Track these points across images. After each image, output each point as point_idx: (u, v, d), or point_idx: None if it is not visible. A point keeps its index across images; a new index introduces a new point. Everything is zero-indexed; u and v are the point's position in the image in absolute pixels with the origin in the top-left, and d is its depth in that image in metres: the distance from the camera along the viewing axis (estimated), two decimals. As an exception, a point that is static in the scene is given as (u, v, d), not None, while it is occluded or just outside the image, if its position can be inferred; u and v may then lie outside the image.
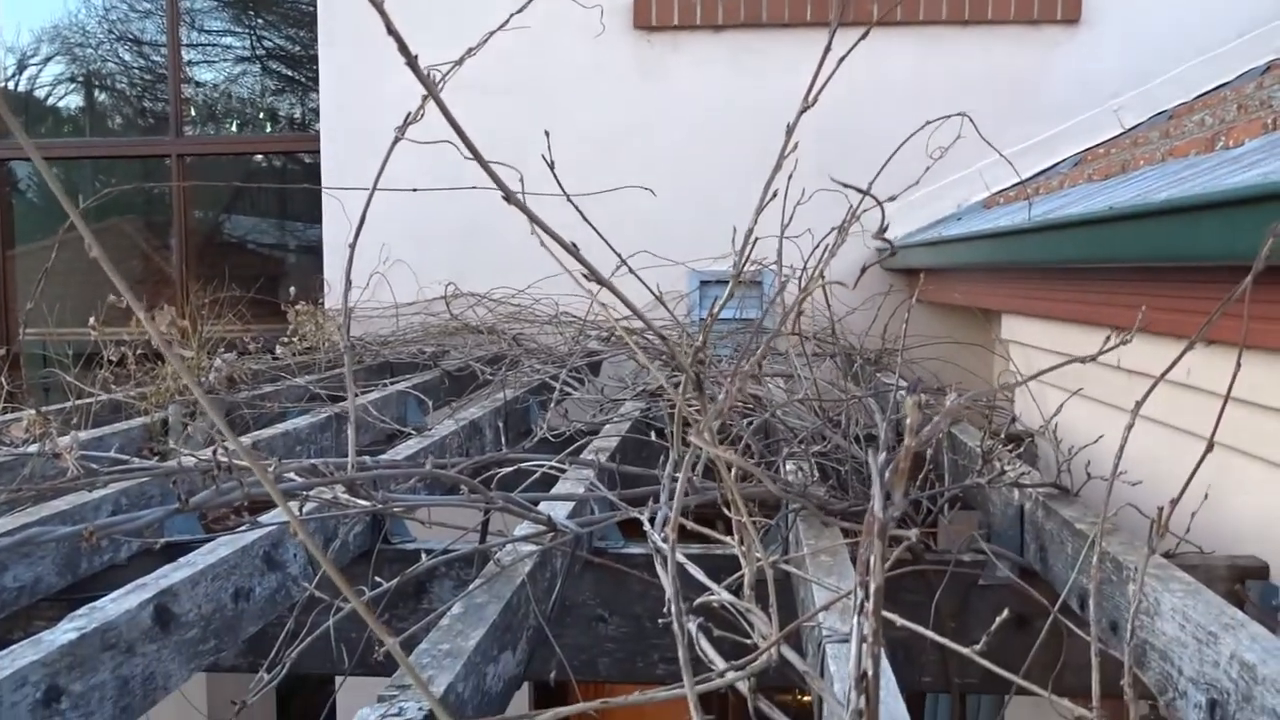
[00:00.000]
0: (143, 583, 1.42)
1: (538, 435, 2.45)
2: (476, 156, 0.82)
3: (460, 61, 1.45)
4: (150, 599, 1.37)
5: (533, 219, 0.86)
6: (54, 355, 2.96)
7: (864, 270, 1.82)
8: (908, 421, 0.56)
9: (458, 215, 4.77)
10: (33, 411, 2.05)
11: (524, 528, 1.64)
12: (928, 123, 2.01)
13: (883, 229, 1.34)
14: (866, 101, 4.55)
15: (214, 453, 1.15)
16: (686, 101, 5.03)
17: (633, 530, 2.03)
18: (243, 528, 1.49)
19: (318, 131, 5.52)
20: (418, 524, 1.98)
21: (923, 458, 2.17)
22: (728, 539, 1.23)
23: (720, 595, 1.03)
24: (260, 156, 7.22)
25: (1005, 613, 1.09)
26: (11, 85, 6.98)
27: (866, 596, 0.68)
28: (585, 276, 0.93)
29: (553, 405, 2.59)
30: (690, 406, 1.31)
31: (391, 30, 0.80)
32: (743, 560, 1.12)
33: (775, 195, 1.45)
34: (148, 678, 1.35)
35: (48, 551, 1.75)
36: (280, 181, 7.17)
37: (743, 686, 0.90)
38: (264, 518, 1.62)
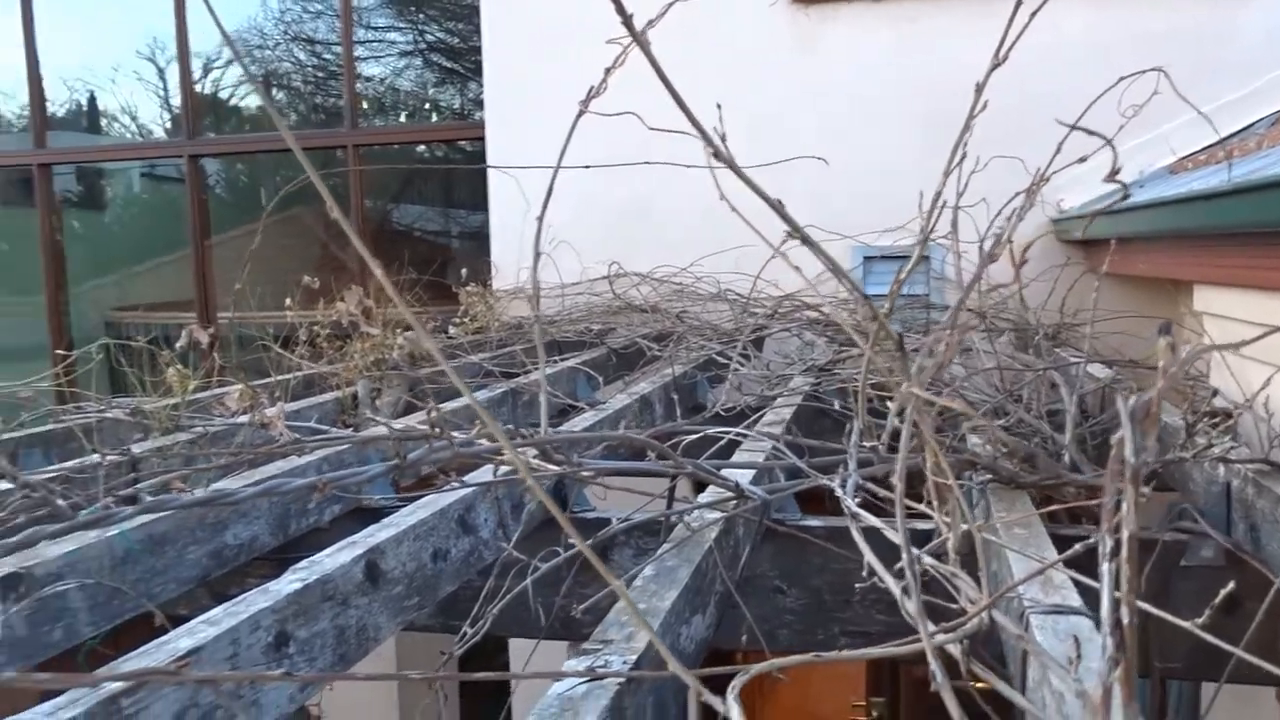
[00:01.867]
0: (353, 540, 1.51)
1: (711, 410, 2.46)
2: (685, 111, 0.83)
3: (652, 23, 1.46)
4: (361, 555, 1.45)
5: (741, 176, 0.86)
6: (251, 335, 3.16)
7: (1094, 215, 1.74)
8: (1098, 370, 0.54)
9: (620, 196, 4.83)
10: (243, 386, 2.20)
11: (706, 496, 1.65)
12: (1121, 79, 1.91)
13: (1115, 170, 1.28)
14: (1039, 65, 4.34)
15: (428, 414, 1.21)
16: (845, 75, 4.94)
17: (810, 504, 2.02)
18: (442, 490, 1.56)
19: (479, 120, 5.69)
20: (596, 496, 2.03)
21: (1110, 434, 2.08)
22: (926, 509, 1.21)
23: (924, 560, 1.02)
24: (423, 147, 7.49)
25: (1230, 585, 1.04)
26: (199, 89, 7.47)
27: (1086, 553, 0.66)
28: (788, 234, 0.93)
29: (730, 377, 2.60)
30: (883, 374, 1.30)
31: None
32: (943, 527, 1.11)
33: (964, 158, 1.41)
34: (360, 629, 1.44)
35: (262, 512, 1.88)
36: (444, 171, 7.43)
37: (954, 649, 0.88)
38: (467, 478, 1.70)
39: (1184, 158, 4.29)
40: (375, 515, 1.78)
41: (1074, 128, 1.83)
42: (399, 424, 1.79)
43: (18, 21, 6.78)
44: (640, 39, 0.89)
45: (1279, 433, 1.80)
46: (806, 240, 0.91)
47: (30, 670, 1.34)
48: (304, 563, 1.41)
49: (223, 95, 7.87)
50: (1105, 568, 0.50)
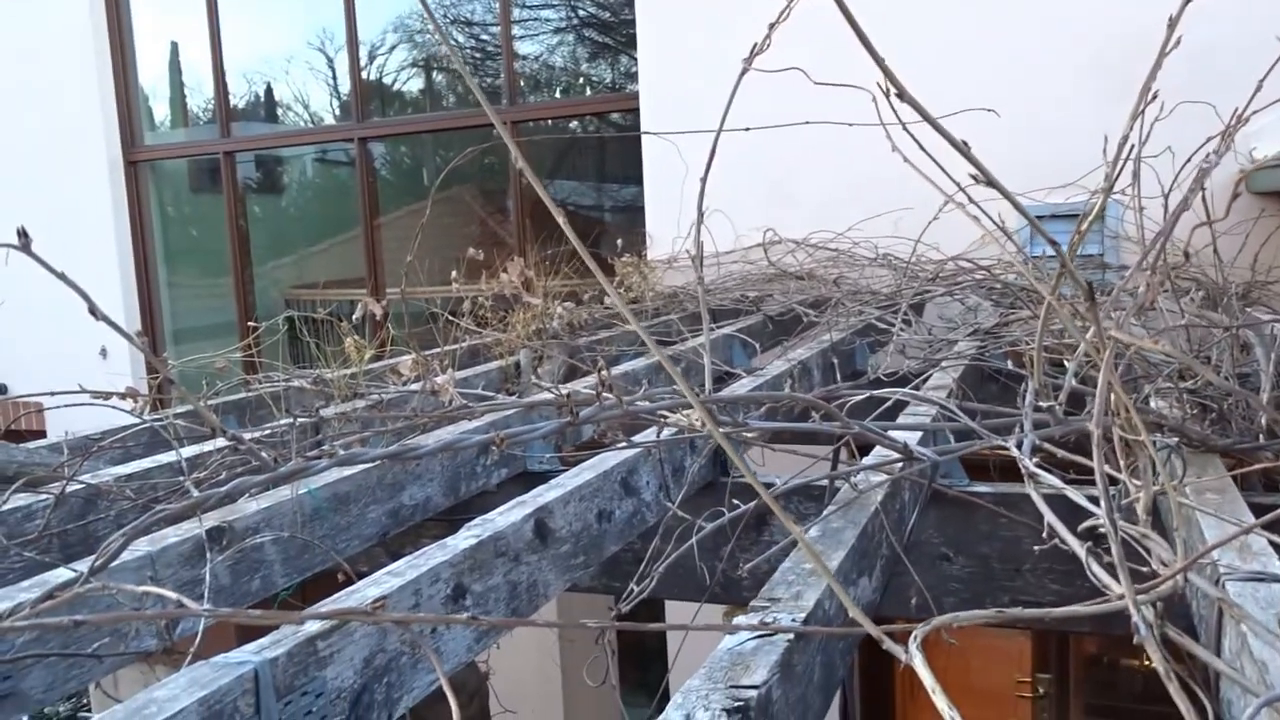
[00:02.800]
0: (522, 500, 1.57)
1: (873, 375, 2.42)
2: (866, 43, 0.80)
3: (813, -17, 1.44)
4: (530, 514, 1.50)
5: (926, 117, 0.84)
6: (421, 308, 3.29)
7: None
8: None
9: (773, 162, 4.77)
10: (414, 355, 2.30)
11: (871, 458, 1.63)
12: (1331, 8, 1.74)
13: None
14: (1228, 5, 4.03)
15: (597, 375, 1.23)
16: (1010, 21, 4.71)
17: (975, 472, 1.96)
18: (618, 447, 1.59)
19: (632, 92, 5.72)
20: (754, 462, 2.03)
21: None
22: (1107, 469, 1.15)
23: (1106, 521, 0.97)
24: (576, 123, 7.59)
25: None
26: (364, 75, 7.79)
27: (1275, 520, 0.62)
28: (974, 178, 0.90)
29: (891, 343, 2.54)
30: (1058, 334, 1.24)
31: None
32: (1131, 488, 1.05)
33: (1154, 97, 1.33)
34: (531, 585, 1.49)
35: (435, 474, 1.97)
36: (598, 144, 7.52)
37: (1148, 612, 0.84)
38: (635, 437, 1.72)
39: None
40: (540, 479, 1.83)
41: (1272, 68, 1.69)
42: (564, 389, 1.83)
43: (204, 21, 7.24)
44: None
45: None
46: (997, 186, 0.87)
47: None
48: (477, 520, 1.46)
49: (386, 80, 8.18)
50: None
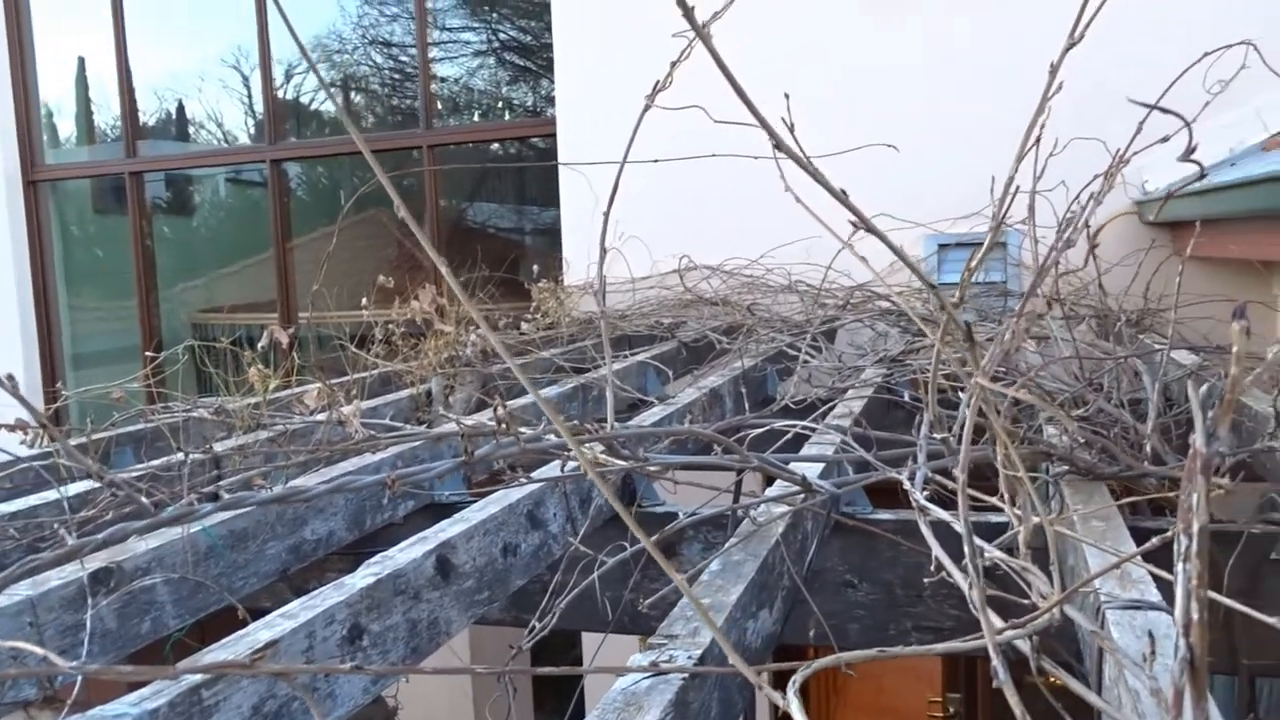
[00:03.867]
0: (424, 535, 1.54)
1: (780, 402, 2.45)
2: (746, 101, 0.82)
3: (717, 15, 1.46)
4: (432, 550, 1.48)
5: (802, 164, 0.85)
6: (329, 335, 3.24)
7: (1168, 197, 1.69)
8: (1233, 350, 0.52)
9: (689, 189, 4.82)
10: (320, 384, 2.26)
11: (774, 490, 1.64)
12: (1206, 54, 1.84)
13: (1191, 149, 1.24)
14: (1122, 41, 4.21)
15: (495, 412, 1.23)
16: (920, 56, 4.84)
17: (880, 498, 1.99)
18: (511, 485, 1.58)
19: (551, 116, 5.74)
20: (665, 490, 2.03)
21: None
22: (996, 501, 1.18)
23: (994, 554, 1.00)
24: (497, 145, 7.57)
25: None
26: (281, 94, 7.66)
27: (1163, 546, 0.64)
28: (853, 224, 0.92)
29: (798, 370, 2.58)
30: (952, 364, 1.27)
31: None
32: (1014, 521, 1.08)
33: (1037, 141, 1.38)
34: (433, 622, 1.47)
35: (338, 508, 1.93)
36: (517, 169, 7.51)
37: (1023, 645, 0.87)
38: (535, 474, 1.72)
39: (1278, 134, 4.11)
40: (448, 511, 1.81)
41: (1154, 108, 1.77)
42: (470, 420, 1.82)
43: (110, 34, 7.05)
44: (702, 33, 0.89)
45: (1378, 420, 1.72)
46: (871, 229, 0.89)
47: (119, 662, 1.40)
48: (377, 557, 1.44)
49: (304, 100, 8.06)
50: (1179, 567, 0.48)
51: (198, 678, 1.02)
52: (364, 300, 2.68)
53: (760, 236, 4.47)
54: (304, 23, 7.63)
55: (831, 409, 2.37)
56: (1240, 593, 1.71)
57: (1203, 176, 1.48)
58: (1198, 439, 0.53)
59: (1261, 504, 1.74)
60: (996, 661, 0.68)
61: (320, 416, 2.20)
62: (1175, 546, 0.53)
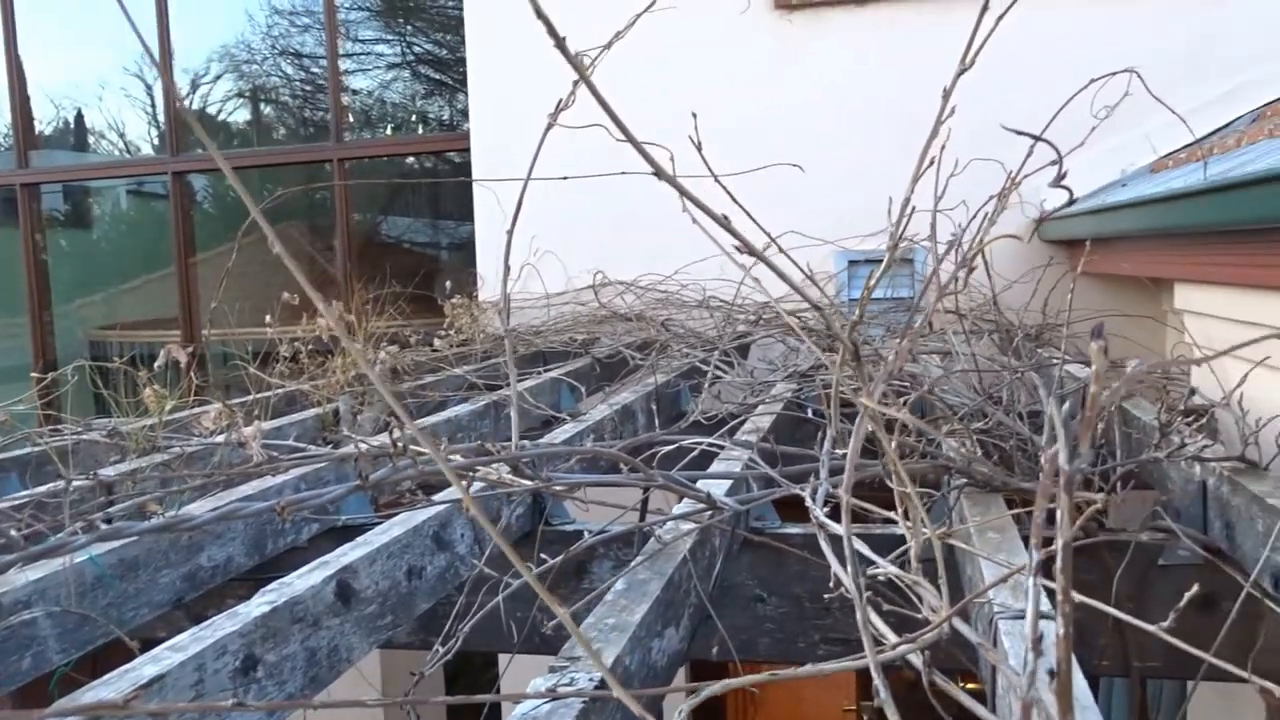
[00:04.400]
0: (325, 560, 1.51)
1: (690, 418, 2.46)
2: (626, 134, 0.82)
3: (609, 45, 1.47)
4: (332, 575, 1.44)
5: (683, 192, 0.86)
6: (234, 353, 3.15)
7: (1041, 220, 1.75)
8: (1079, 369, 0.53)
9: (605, 205, 4.83)
10: (220, 404, 2.19)
11: (682, 507, 1.65)
12: (1092, 80, 1.91)
13: (1061, 175, 1.28)
14: (1021, 67, 4.35)
15: (390, 435, 1.20)
16: (829, 80, 4.94)
17: (789, 511, 2.01)
18: (416, 507, 1.55)
19: (466, 131, 5.70)
20: (576, 507, 2.02)
21: (1094, 432, 2.07)
22: (892, 515, 1.21)
23: (887, 570, 1.02)
24: (412, 159, 7.49)
25: (1194, 589, 1.03)
26: (186, 103, 7.46)
27: (1049, 559, 0.66)
28: (738, 249, 0.93)
29: (706, 388, 2.60)
30: (849, 382, 1.29)
31: (541, 14, 0.82)
32: (908, 535, 1.10)
33: (932, 163, 1.41)
34: (332, 650, 1.43)
35: (237, 533, 1.87)
36: (432, 183, 7.43)
37: (915, 660, 0.88)
38: (438, 497, 1.69)
39: (1165, 156, 4.30)
40: (355, 533, 1.77)
41: (1037, 139, 1.83)
42: (377, 441, 1.78)
43: (0, 40, 6.78)
44: (584, 75, 0.89)
45: (1255, 430, 1.80)
46: (754, 253, 0.90)
47: (-3, 699, 1.33)
48: (273, 584, 1.40)
49: (211, 110, 7.86)
50: (1030, 582, 0.49)
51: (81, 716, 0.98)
52: (267, 317, 2.61)
53: (675, 252, 4.49)
54: (210, 32, 7.45)
55: (742, 424, 2.39)
56: (1130, 598, 1.78)
57: (1072, 203, 1.53)
58: (1060, 455, 0.54)
59: (1149, 513, 1.81)
60: (879, 681, 0.69)
61: (219, 438, 2.14)
62: (1026, 574, 0.54)
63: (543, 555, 1.68)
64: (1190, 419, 2.04)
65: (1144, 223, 2.98)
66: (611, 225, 4.94)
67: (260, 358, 3.11)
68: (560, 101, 1.47)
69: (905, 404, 1.37)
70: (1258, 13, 4.55)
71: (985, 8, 1.31)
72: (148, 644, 1.29)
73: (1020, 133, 1.39)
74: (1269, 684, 0.92)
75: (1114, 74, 2.01)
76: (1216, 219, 2.39)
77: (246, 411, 2.51)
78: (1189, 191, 2.46)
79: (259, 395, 2.67)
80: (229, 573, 1.86)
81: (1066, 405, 2.21)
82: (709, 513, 1.57)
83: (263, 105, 8.05)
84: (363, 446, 1.46)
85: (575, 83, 1.48)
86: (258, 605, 1.32)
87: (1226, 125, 4.40)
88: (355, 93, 7.46)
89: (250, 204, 0.59)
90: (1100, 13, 4.67)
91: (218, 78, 7.81)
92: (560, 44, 0.74)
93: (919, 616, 1.02)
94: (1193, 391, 2.25)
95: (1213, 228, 2.52)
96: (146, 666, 1.12)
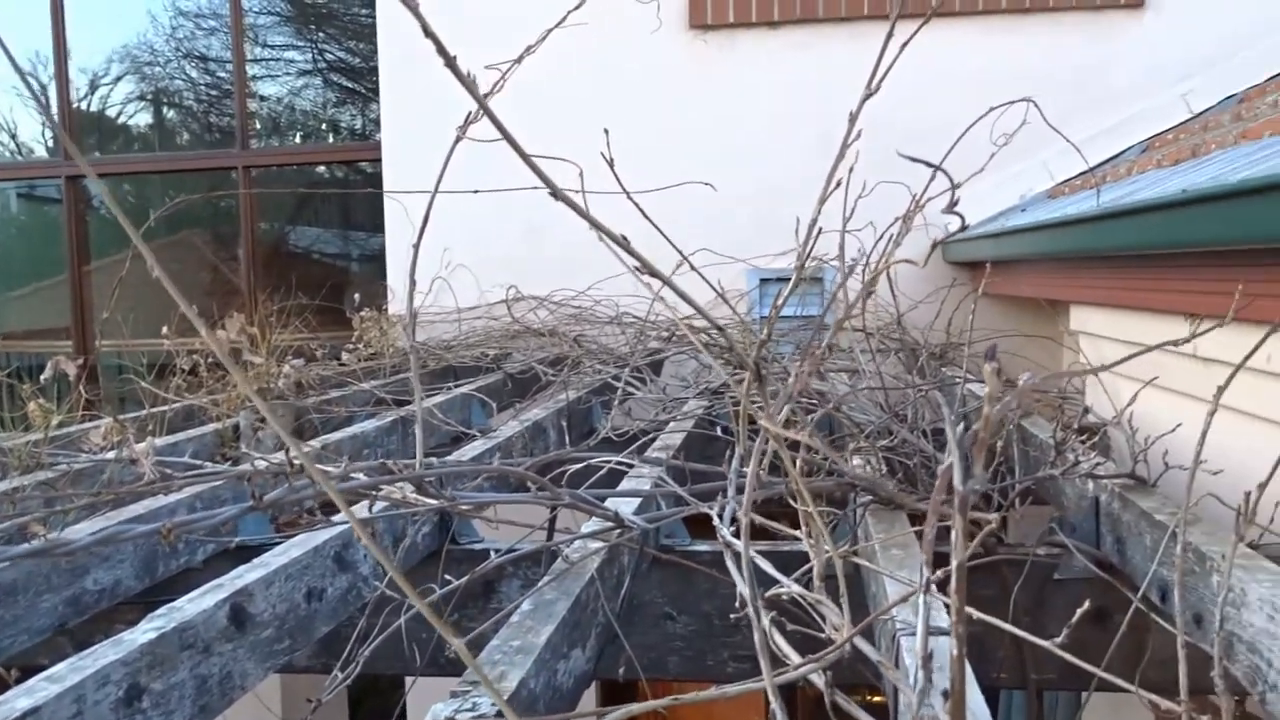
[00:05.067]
0: (219, 583, 1.45)
1: (601, 434, 2.45)
2: (519, 152, 0.82)
3: (519, 60, 1.46)
4: (226, 599, 1.39)
5: (581, 213, 0.85)
6: (129, 365, 3.04)
7: (935, 245, 1.79)
8: (981, 389, 0.54)
9: (518, 219, 4.81)
10: (110, 419, 2.10)
11: (591, 525, 1.63)
12: (992, 109, 1.97)
13: (954, 201, 1.31)
14: (927, 94, 4.48)
15: (285, 454, 1.16)
16: (743, 100, 5.01)
17: (699, 529, 2.02)
18: (316, 527, 1.51)
19: (379, 141, 5.61)
20: (485, 525, 1.99)
21: (993, 450, 2.13)
22: (796, 533, 1.21)
23: (790, 588, 1.02)
24: (323, 168, 7.34)
25: (1086, 604, 1.06)
26: (84, 105, 7.19)
27: (947, 577, 0.67)
28: (639, 270, 0.92)
29: (616, 405, 2.59)
30: (755, 400, 1.30)
31: (429, 33, 0.81)
32: (812, 553, 1.11)
33: (839, 185, 1.43)
34: (225, 677, 1.38)
35: (126, 555, 1.79)
36: (343, 193, 7.30)
37: (818, 679, 0.88)
38: (336, 518, 1.65)
39: (1062, 183, 4.46)
40: (254, 554, 1.71)
41: (936, 167, 1.87)
42: (279, 458, 1.73)
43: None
44: (484, 104, 0.88)
45: (1144, 448, 1.87)
46: (654, 272, 0.90)
47: None
48: (162, 609, 1.34)
49: (110, 113, 7.59)
50: (921, 600, 0.50)
51: (-61, 754, 0.92)
52: (164, 329, 2.51)
53: (589, 268, 4.49)
54: (111, 31, 7.19)
55: (653, 442, 2.39)
56: (1028, 612, 1.82)
57: (964, 228, 1.57)
58: (955, 476, 0.55)
59: (1045, 529, 1.86)
60: (776, 704, 0.68)
61: (109, 455, 2.05)
62: (920, 578, 0.54)
63: (448, 576, 1.65)
64: (1084, 437, 2.11)
65: (1041, 246, 3.09)
66: (525, 240, 4.92)
67: (157, 370, 3.00)
68: (469, 115, 1.45)
69: (812, 421, 1.39)
70: (1141, 50, 4.77)
71: (890, 34, 1.34)
72: (28, 672, 1.22)
73: (915, 159, 1.42)
74: (1155, 696, 0.95)
75: (1012, 102, 2.08)
76: (1108, 244, 2.49)
77: (140, 427, 2.42)
78: (1082, 217, 2.55)
79: (154, 410, 2.57)
80: (117, 596, 1.77)
81: (962, 425, 2.25)
82: (618, 531, 1.57)
83: (166, 109, 7.80)
84: (260, 464, 1.41)
85: (485, 95, 1.47)
86: (144, 631, 1.26)
87: (1118, 154, 4.59)
88: (264, 99, 7.29)
89: (123, 220, 0.56)
90: (997, 44, 4.84)
91: (118, 79, 7.54)
92: (450, 63, 0.73)
93: (822, 636, 1.02)
94: (1086, 410, 2.33)
95: (1104, 252, 2.62)
96: (20, 699, 1.06)
